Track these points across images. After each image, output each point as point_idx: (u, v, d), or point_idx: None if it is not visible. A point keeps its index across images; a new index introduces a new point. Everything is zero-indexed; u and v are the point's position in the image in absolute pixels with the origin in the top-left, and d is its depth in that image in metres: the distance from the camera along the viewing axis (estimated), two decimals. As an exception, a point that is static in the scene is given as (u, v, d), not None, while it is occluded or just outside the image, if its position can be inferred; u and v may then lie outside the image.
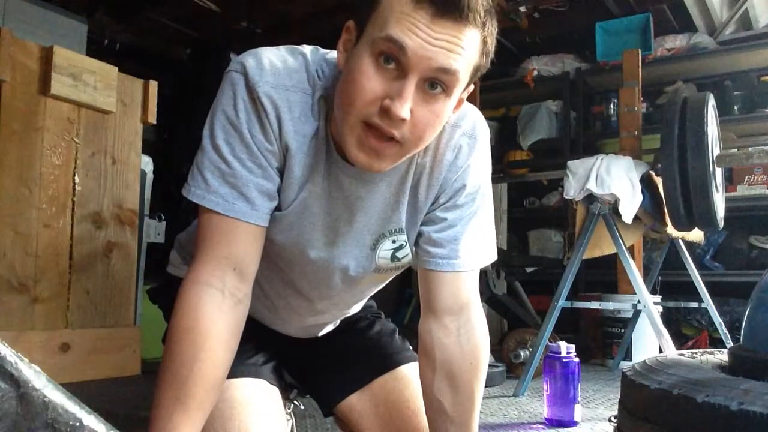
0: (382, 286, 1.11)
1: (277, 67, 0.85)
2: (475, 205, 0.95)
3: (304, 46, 0.92)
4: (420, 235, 0.96)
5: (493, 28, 0.79)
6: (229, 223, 0.84)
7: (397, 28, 0.74)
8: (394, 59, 0.75)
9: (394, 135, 0.78)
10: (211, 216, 0.84)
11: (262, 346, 1.07)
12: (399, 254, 0.97)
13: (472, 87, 0.85)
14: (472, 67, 0.79)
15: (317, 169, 0.88)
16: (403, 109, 0.75)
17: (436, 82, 0.77)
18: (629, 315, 3.14)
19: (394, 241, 0.96)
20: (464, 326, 0.96)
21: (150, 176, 2.89)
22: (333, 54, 0.91)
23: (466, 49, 0.76)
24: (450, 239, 0.93)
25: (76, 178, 2.45)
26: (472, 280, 0.97)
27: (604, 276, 3.61)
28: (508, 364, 2.79)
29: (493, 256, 0.99)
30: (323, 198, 0.90)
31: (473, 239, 0.95)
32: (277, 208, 0.90)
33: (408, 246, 0.97)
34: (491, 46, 0.81)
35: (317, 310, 1.08)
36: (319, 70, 0.88)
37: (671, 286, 3.44)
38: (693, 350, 1.10)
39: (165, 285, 1.15)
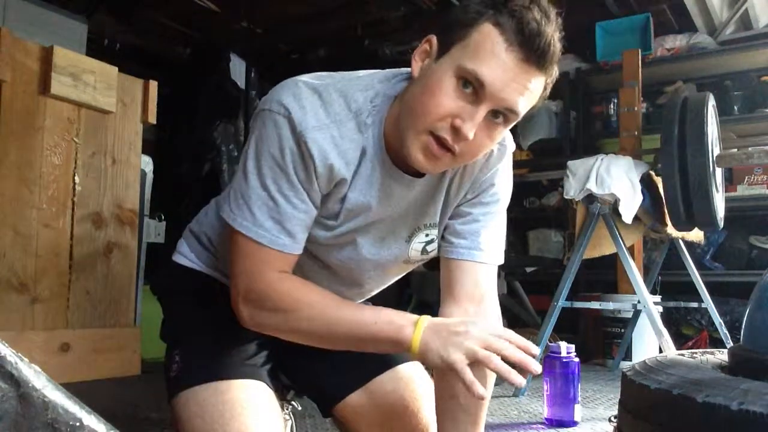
0: (403, 274, 1.17)
1: (315, 104, 0.91)
2: (498, 206, 1.04)
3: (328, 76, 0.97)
4: (445, 227, 1.04)
5: (555, 76, 0.89)
6: (271, 253, 0.92)
7: (485, 66, 0.82)
8: (472, 87, 0.84)
9: (455, 149, 0.86)
10: (257, 246, 0.92)
11: (263, 345, 1.07)
12: (429, 247, 1.06)
13: None
14: (530, 106, 0.89)
15: (369, 182, 0.95)
16: (471, 132, 0.84)
17: (500, 114, 0.86)
18: (629, 315, 3.14)
19: (427, 235, 1.04)
20: (482, 314, 1.01)
21: (150, 176, 2.89)
22: (371, 81, 0.96)
23: (533, 92, 0.86)
24: (472, 232, 1.02)
25: (76, 178, 2.45)
26: (491, 274, 1.04)
27: (604, 276, 3.61)
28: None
29: (502, 259, 1.06)
30: (374, 205, 0.97)
31: (492, 236, 1.03)
32: (326, 219, 0.97)
33: (437, 240, 1.05)
34: (548, 91, 0.90)
35: (346, 297, 1.11)
36: (370, 92, 0.94)
37: (671, 286, 3.43)
38: (693, 350, 1.10)
39: (168, 275, 1.16)
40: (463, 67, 0.83)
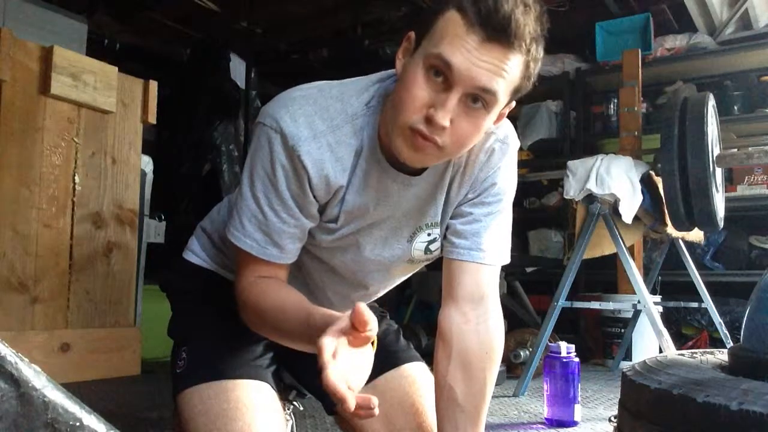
0: (409, 275, 1.17)
1: (310, 114, 0.91)
2: (501, 206, 1.04)
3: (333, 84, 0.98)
4: (447, 227, 1.04)
5: (537, 54, 0.86)
6: (260, 261, 0.96)
7: (448, 48, 0.82)
8: (442, 74, 0.83)
9: (436, 141, 0.85)
10: (247, 254, 0.96)
11: (270, 346, 1.07)
12: (432, 247, 1.06)
13: (513, 104, 0.92)
14: (512, 88, 0.86)
15: (365, 183, 0.95)
16: (444, 119, 0.83)
17: (478, 98, 0.84)
18: (629, 315, 3.14)
19: (429, 234, 1.04)
20: (482, 316, 1.01)
21: (150, 176, 2.89)
22: (366, 84, 0.97)
23: (509, 72, 0.83)
24: (473, 232, 1.01)
25: (76, 178, 2.45)
26: (493, 275, 1.03)
27: (604, 276, 3.61)
28: (508, 364, 2.79)
29: (507, 259, 1.05)
30: (372, 206, 0.97)
31: (495, 236, 1.02)
32: (327, 223, 0.98)
33: (440, 239, 1.04)
34: (534, 70, 0.87)
35: (352, 300, 1.13)
36: (365, 95, 0.95)
37: (671, 286, 3.44)
38: (693, 350, 1.10)
39: (178, 273, 1.16)
40: (429, 54, 0.83)
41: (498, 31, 0.80)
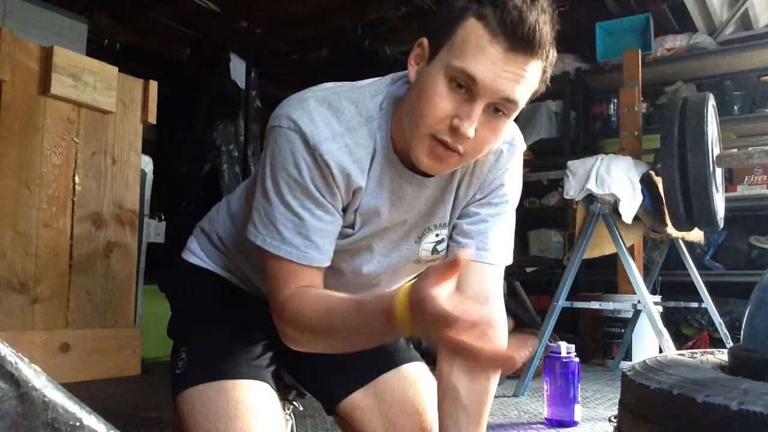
0: (415, 275, 1.16)
1: (326, 115, 0.91)
2: (506, 207, 1.05)
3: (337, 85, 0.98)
4: (453, 227, 1.04)
5: (553, 59, 0.88)
6: (301, 267, 0.92)
7: (473, 62, 0.81)
8: (465, 85, 0.83)
9: (459, 150, 0.86)
10: (286, 263, 0.92)
11: (269, 346, 1.07)
12: (439, 247, 1.06)
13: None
14: (531, 93, 0.88)
15: (379, 185, 0.95)
16: (471, 130, 0.84)
17: (500, 107, 0.85)
18: (629, 315, 3.14)
19: (437, 235, 1.04)
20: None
21: (150, 176, 2.89)
22: (379, 86, 0.97)
23: (529, 79, 0.84)
24: (479, 232, 1.02)
25: (76, 178, 2.45)
26: (497, 275, 1.04)
27: (604, 276, 3.61)
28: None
29: (511, 260, 1.07)
30: (386, 208, 0.97)
31: (500, 237, 1.03)
32: (344, 228, 0.97)
33: (447, 239, 1.05)
34: (549, 73, 0.89)
35: None
36: (379, 97, 0.95)
37: (671, 286, 3.44)
38: (693, 350, 1.10)
39: (178, 273, 1.16)
40: (452, 67, 0.82)
41: (523, 42, 0.81)
